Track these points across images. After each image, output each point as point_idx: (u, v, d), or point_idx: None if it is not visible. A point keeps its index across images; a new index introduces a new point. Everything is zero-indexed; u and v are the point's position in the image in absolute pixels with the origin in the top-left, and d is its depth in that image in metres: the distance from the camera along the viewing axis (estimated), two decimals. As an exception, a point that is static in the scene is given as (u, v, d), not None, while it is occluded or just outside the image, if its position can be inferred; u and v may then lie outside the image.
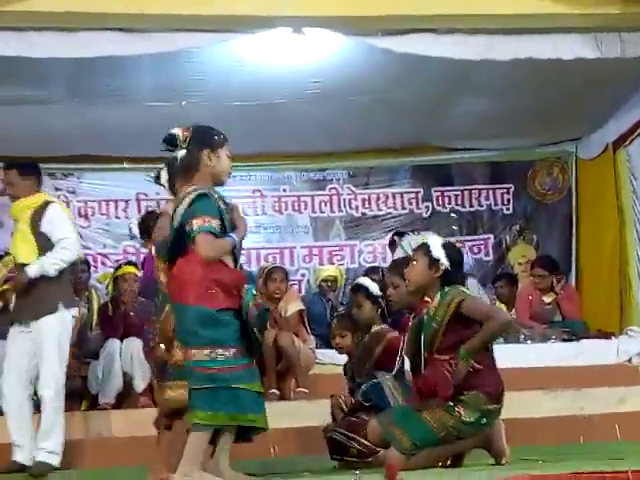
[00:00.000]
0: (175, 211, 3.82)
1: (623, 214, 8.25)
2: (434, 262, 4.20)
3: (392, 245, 7.80)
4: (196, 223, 3.70)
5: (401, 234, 5.88)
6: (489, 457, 4.18)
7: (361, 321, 4.95)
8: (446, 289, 4.15)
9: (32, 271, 5.32)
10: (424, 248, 4.27)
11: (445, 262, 4.19)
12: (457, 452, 4.10)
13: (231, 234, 3.79)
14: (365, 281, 5.07)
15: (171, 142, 3.91)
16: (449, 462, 4.11)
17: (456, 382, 3.96)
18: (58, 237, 5.38)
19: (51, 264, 5.33)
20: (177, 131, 3.91)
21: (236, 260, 3.87)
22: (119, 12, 5.66)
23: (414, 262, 4.28)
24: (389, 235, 9.05)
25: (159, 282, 4.41)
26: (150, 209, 7.56)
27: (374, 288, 4.94)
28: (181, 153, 3.89)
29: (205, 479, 3.67)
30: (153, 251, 4.56)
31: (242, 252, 4.03)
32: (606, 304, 8.21)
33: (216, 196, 3.84)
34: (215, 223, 3.73)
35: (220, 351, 3.66)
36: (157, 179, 4.54)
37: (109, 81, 6.83)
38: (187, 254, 3.77)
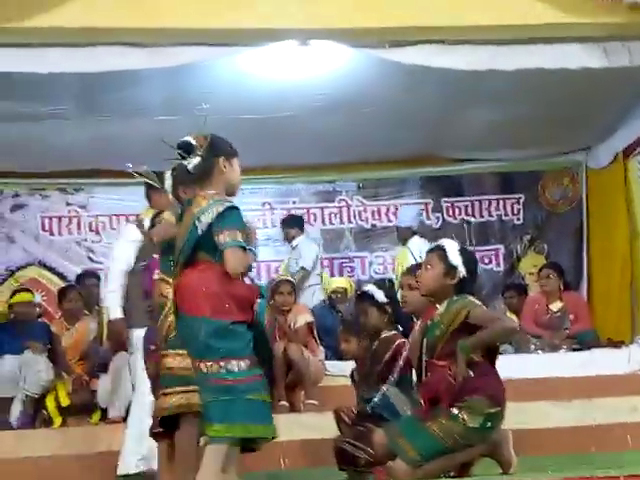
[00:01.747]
0: (197, 217, 3.81)
1: (635, 223, 8.23)
2: (451, 269, 4.09)
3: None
4: (229, 236, 3.70)
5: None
6: (497, 466, 4.15)
7: (368, 328, 4.93)
8: (454, 298, 4.09)
9: None
10: (440, 253, 4.15)
11: (462, 270, 4.12)
12: (465, 461, 4.06)
13: (252, 248, 3.80)
14: (371, 288, 5.05)
15: (186, 148, 3.92)
16: (457, 472, 4.09)
17: (459, 377, 3.92)
18: None
19: None
20: (193, 138, 3.93)
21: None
22: (127, 27, 5.70)
23: (429, 266, 4.15)
24: (400, 247, 9.08)
25: (159, 295, 4.42)
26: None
27: (380, 295, 4.91)
28: (196, 160, 3.90)
29: None
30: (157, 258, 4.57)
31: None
32: (617, 313, 8.19)
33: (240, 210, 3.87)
34: (243, 238, 3.74)
35: (235, 362, 3.66)
36: (160, 182, 4.57)
37: (118, 95, 6.86)
38: (198, 264, 3.78)
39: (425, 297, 4.23)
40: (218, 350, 3.66)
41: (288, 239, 8.42)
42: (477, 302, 4.14)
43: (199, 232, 3.77)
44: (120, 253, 5.54)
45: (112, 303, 5.57)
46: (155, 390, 4.43)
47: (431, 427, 3.95)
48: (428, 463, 3.94)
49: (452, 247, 4.16)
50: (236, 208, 3.78)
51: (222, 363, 3.65)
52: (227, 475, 3.67)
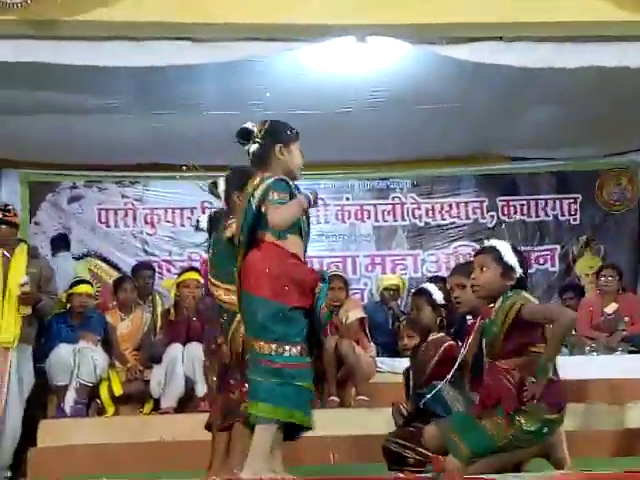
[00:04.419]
0: (251, 194, 3.84)
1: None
2: (508, 270, 4.03)
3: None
4: (269, 199, 3.77)
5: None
6: (549, 467, 4.11)
7: (418, 325, 4.92)
8: (509, 293, 4.02)
9: None
10: (495, 254, 4.07)
11: (519, 270, 4.08)
12: (517, 461, 4.03)
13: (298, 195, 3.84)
14: (429, 286, 5.03)
15: (244, 136, 3.96)
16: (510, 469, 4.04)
17: (534, 397, 3.85)
18: None
19: None
20: (251, 125, 3.97)
21: (306, 248, 3.93)
22: (186, 22, 5.73)
23: (484, 268, 4.06)
24: (453, 245, 9.02)
25: (220, 301, 4.41)
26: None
27: (437, 295, 4.90)
28: (254, 147, 3.94)
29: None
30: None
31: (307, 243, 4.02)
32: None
33: (291, 183, 3.90)
34: (284, 197, 3.79)
35: (288, 347, 3.70)
36: (214, 187, 4.58)
37: (176, 90, 6.91)
38: (262, 243, 3.80)
39: (481, 299, 4.17)
40: (273, 333, 3.69)
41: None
42: (530, 297, 4.08)
43: (254, 208, 3.81)
44: None
45: None
46: (221, 386, 4.44)
47: (485, 425, 3.91)
48: (479, 460, 3.91)
49: (505, 247, 4.12)
50: (282, 179, 3.83)
51: (274, 346, 3.69)
52: (272, 457, 3.71)
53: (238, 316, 4.12)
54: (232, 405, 4.36)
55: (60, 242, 8.34)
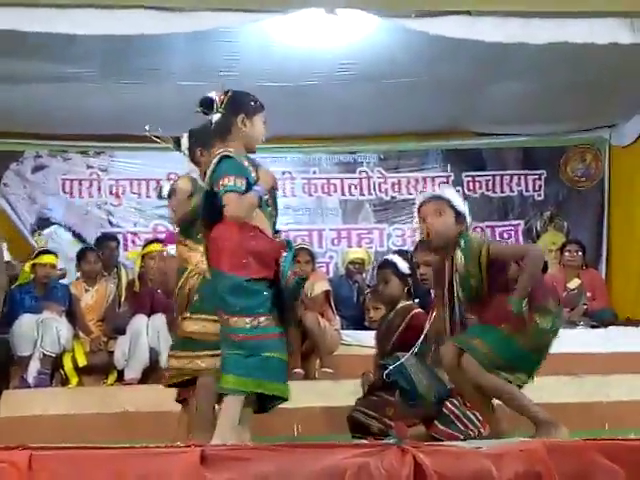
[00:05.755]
0: (206, 174, 3.85)
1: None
2: (459, 215, 4.00)
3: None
4: (221, 184, 3.71)
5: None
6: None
7: (387, 297, 4.95)
8: (465, 238, 3.95)
9: None
10: (447, 200, 4.03)
11: (469, 217, 4.03)
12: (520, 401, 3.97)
13: (255, 187, 3.77)
14: (394, 257, 5.06)
15: (207, 105, 3.92)
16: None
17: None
18: None
19: None
20: (214, 95, 3.92)
21: (274, 223, 3.91)
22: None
23: (440, 213, 3.98)
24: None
25: (180, 258, 4.46)
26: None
27: (403, 265, 4.93)
28: (216, 117, 3.90)
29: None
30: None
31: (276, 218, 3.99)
32: (636, 292, 8.14)
33: (242, 157, 3.83)
34: (240, 182, 3.72)
35: (248, 319, 3.70)
36: (177, 145, 4.56)
37: (143, 60, 6.85)
38: (224, 219, 3.78)
39: (439, 249, 4.06)
40: (232, 306, 3.70)
41: None
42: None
43: (207, 187, 3.81)
44: None
45: None
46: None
47: (504, 328, 3.86)
48: (492, 374, 3.83)
49: (453, 193, 4.13)
50: (228, 156, 3.77)
51: (235, 319, 3.70)
52: (241, 428, 3.73)
53: (189, 269, 4.29)
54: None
55: None
